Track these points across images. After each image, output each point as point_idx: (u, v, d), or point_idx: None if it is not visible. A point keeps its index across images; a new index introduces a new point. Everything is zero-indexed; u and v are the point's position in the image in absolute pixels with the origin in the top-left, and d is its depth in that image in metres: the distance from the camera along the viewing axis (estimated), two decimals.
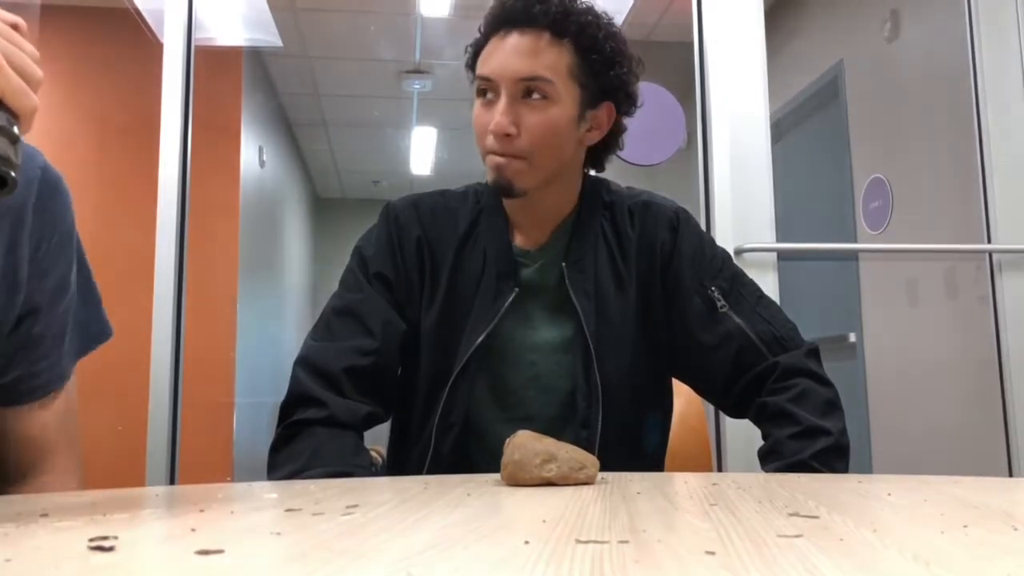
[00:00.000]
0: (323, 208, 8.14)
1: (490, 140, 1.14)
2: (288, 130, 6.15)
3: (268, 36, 4.06)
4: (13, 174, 0.57)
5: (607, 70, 1.17)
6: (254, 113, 4.66)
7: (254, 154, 4.64)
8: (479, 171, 1.21)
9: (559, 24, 1.14)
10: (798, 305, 2.07)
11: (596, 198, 1.25)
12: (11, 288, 0.84)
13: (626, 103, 1.21)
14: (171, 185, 2.08)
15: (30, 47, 0.64)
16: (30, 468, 0.93)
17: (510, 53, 1.14)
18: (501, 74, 1.13)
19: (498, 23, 1.16)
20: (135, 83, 3.29)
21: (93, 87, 3.76)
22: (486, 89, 1.16)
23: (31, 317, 0.87)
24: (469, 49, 1.21)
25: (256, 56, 4.72)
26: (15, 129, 0.59)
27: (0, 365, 0.87)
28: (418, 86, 5.23)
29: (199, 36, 2.19)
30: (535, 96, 1.13)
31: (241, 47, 4.16)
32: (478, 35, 1.20)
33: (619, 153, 1.29)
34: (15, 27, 0.64)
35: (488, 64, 1.15)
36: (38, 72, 0.63)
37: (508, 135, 1.13)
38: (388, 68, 5.11)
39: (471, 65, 1.20)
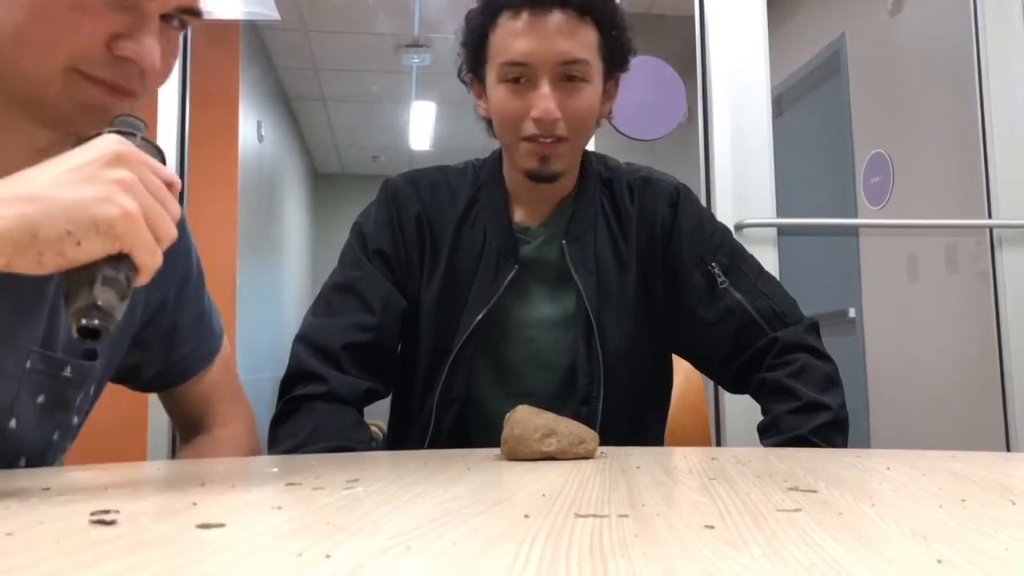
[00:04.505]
0: (322, 183, 8.12)
1: (529, 126, 1.11)
2: (286, 105, 6.12)
3: (266, 9, 4.01)
4: (110, 328, 0.55)
5: (622, 43, 1.15)
6: (252, 87, 4.63)
7: (252, 128, 4.61)
8: (479, 146, 1.20)
9: (588, 3, 1.09)
10: (798, 280, 2.07)
11: (594, 173, 1.24)
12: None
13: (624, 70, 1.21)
14: (169, 159, 2.07)
15: (175, 206, 0.62)
16: (199, 424, 1.04)
17: (552, 34, 1.08)
18: (543, 58, 1.08)
19: (518, 1, 1.09)
20: None
21: None
22: (519, 76, 1.11)
23: (160, 310, 0.94)
24: (466, 30, 1.16)
25: (253, 29, 4.67)
26: (129, 284, 0.58)
27: (147, 358, 0.96)
28: (417, 60, 5.19)
29: None
30: (575, 78, 1.10)
31: (238, 20, 4.12)
32: (475, 12, 1.14)
33: (620, 127, 1.28)
34: (170, 185, 0.62)
35: (521, 47, 1.09)
36: (173, 232, 0.61)
37: (555, 120, 1.10)
38: (387, 42, 5.07)
39: (475, 45, 1.15)
